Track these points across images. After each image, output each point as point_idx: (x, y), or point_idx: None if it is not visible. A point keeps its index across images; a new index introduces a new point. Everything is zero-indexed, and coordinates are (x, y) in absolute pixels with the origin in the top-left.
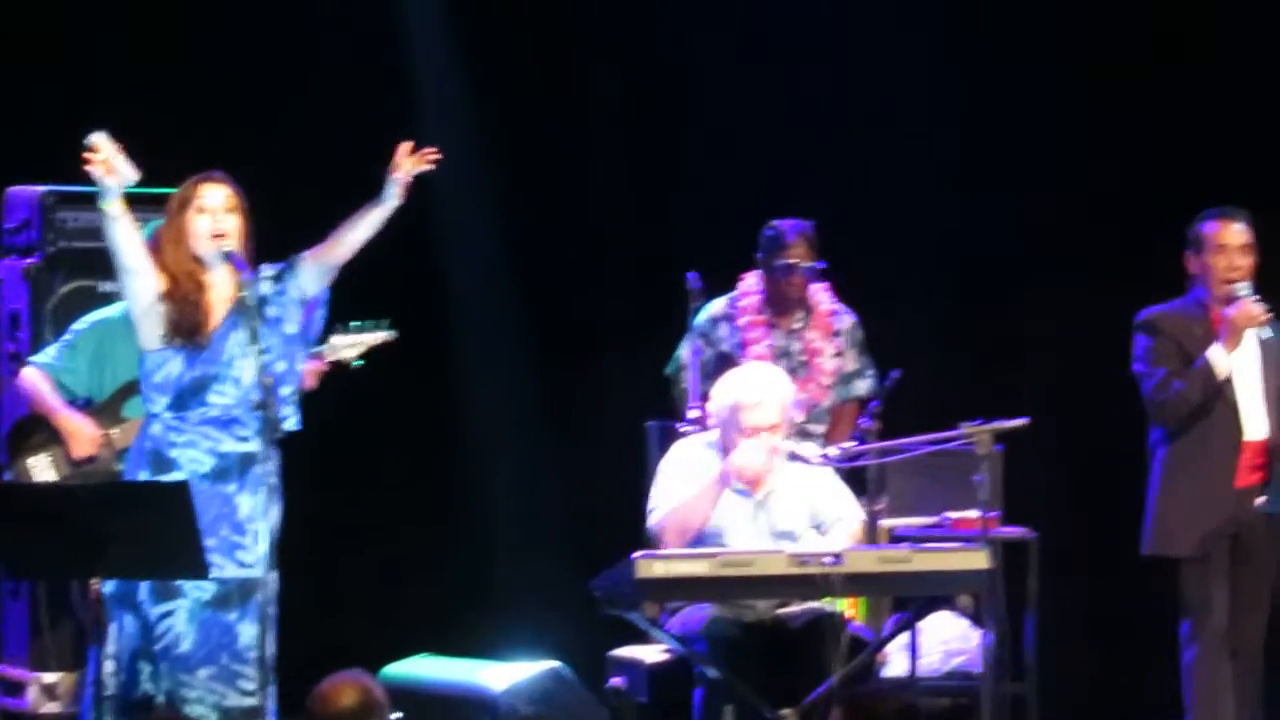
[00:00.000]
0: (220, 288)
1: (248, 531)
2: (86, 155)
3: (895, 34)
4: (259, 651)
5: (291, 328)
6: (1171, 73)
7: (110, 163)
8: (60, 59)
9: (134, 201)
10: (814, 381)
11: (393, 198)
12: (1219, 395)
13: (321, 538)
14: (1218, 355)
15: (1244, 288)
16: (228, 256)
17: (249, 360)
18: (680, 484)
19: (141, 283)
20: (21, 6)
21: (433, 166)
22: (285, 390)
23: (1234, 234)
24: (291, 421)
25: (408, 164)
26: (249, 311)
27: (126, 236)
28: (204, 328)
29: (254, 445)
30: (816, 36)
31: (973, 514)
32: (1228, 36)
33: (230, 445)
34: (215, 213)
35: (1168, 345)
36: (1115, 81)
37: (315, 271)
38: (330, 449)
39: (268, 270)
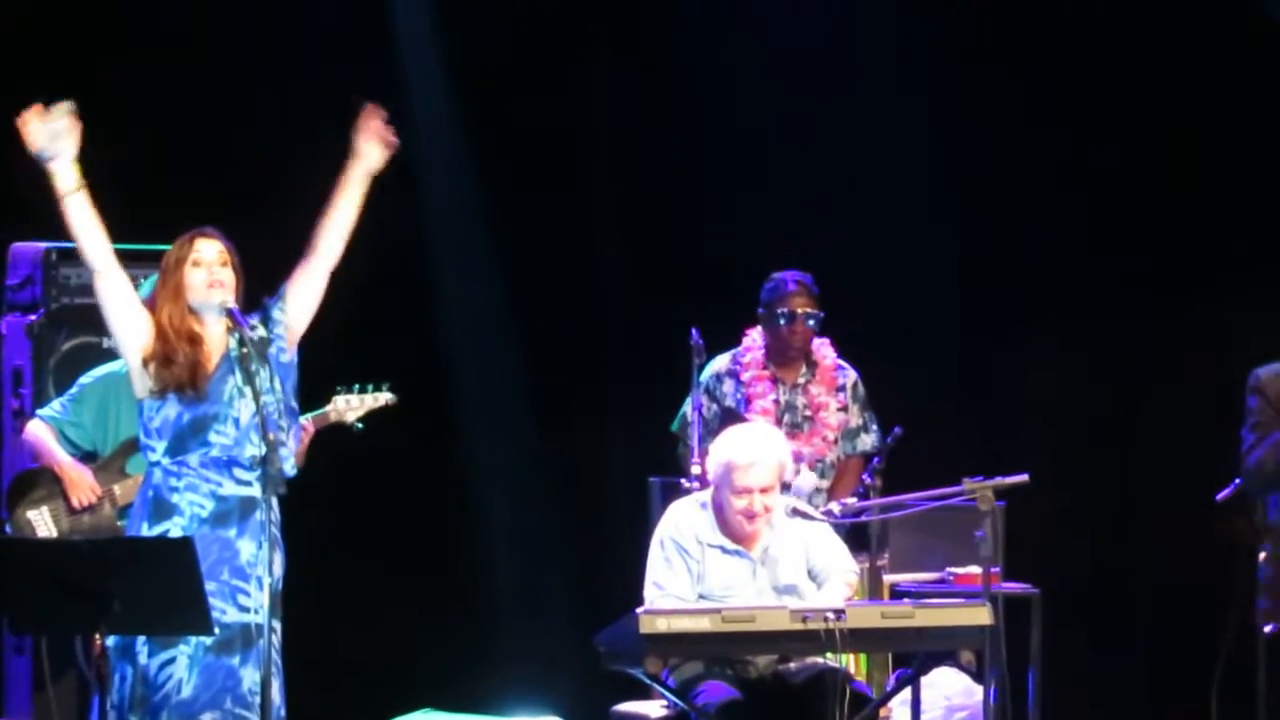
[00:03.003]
0: (214, 339)
1: (250, 577)
2: (31, 127)
3: (896, 90)
4: (263, 697)
5: (286, 356)
6: (1173, 137)
7: (69, 131)
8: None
9: (129, 258)
10: (818, 436)
11: (362, 165)
12: None
13: (327, 593)
14: None
15: None
16: (229, 313)
17: (247, 401)
18: (670, 571)
19: (108, 283)
20: (18, 62)
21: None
22: (285, 436)
23: None
24: (289, 465)
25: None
26: (244, 360)
27: (91, 222)
28: (199, 382)
29: (255, 490)
30: (817, 95)
31: (975, 569)
32: (1225, 91)
33: (231, 488)
34: (210, 265)
35: (1267, 408)
36: (1117, 144)
37: (304, 285)
38: (336, 506)
39: (255, 319)
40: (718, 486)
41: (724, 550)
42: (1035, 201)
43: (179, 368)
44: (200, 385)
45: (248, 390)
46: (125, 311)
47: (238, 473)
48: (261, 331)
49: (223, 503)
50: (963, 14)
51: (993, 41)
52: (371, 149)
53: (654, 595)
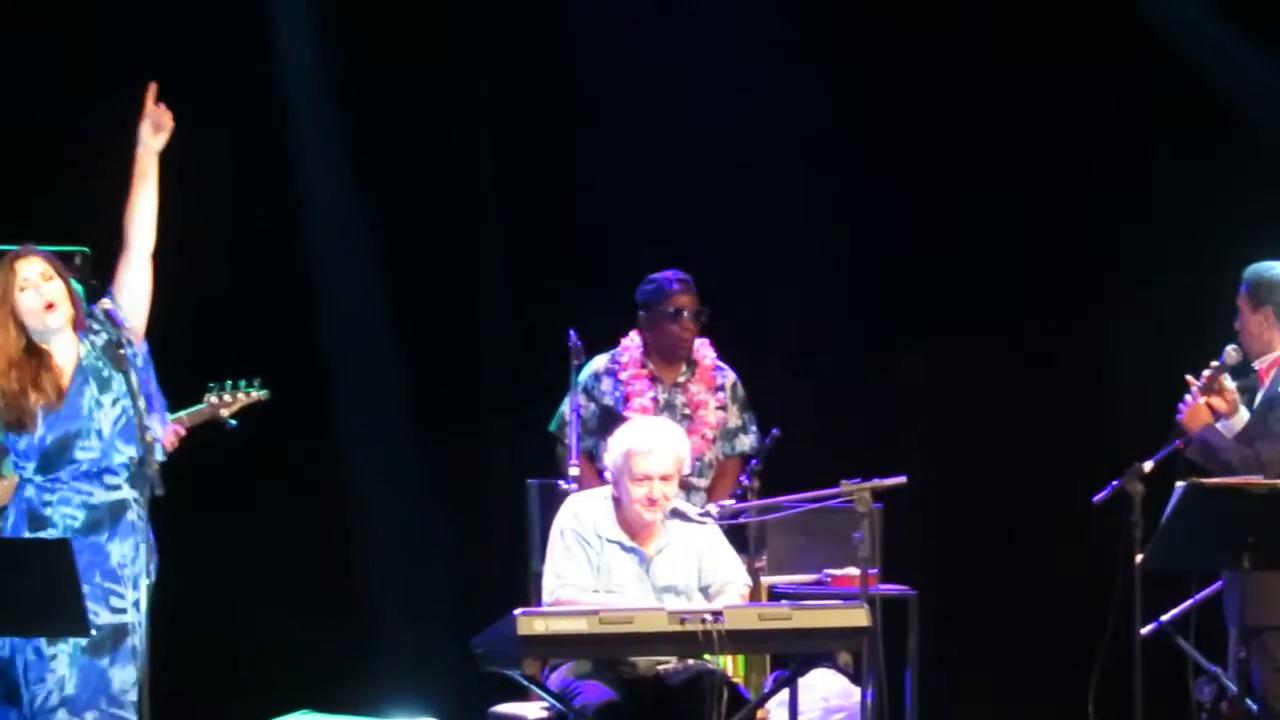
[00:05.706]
0: (63, 353)
1: (123, 578)
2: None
3: (772, 93)
4: (135, 694)
5: (140, 359)
6: (1045, 135)
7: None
8: None
9: None
10: (697, 434)
11: (144, 150)
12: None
13: (203, 594)
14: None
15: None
16: (106, 313)
17: (106, 410)
18: (571, 560)
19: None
20: None
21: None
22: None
23: None
24: (160, 452)
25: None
26: (95, 368)
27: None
28: (50, 403)
29: (124, 492)
30: (696, 96)
31: (852, 571)
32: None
33: (101, 495)
34: (37, 285)
35: None
36: (989, 144)
37: (129, 281)
38: (210, 506)
39: (94, 323)
40: (617, 479)
41: (622, 546)
42: (909, 203)
43: (18, 401)
44: (59, 401)
45: (105, 399)
46: None
47: (107, 479)
48: (108, 335)
49: (94, 511)
50: (837, 15)
51: (864, 44)
52: (146, 133)
53: (554, 585)
